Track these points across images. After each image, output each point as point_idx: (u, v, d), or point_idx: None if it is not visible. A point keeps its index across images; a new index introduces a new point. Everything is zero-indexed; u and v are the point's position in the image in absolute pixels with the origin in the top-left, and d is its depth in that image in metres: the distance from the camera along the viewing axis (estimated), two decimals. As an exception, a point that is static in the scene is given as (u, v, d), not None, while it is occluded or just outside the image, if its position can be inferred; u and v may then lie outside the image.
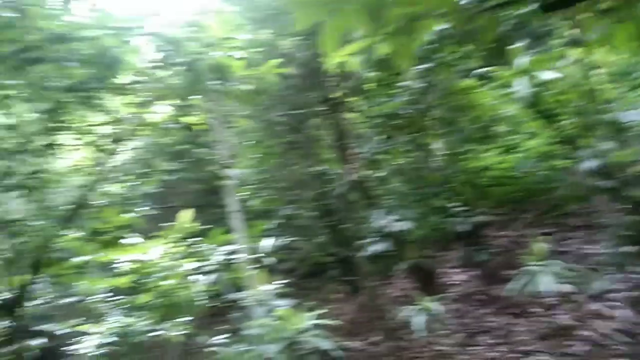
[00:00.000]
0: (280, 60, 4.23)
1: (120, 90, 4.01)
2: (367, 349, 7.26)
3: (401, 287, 9.04)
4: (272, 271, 5.89)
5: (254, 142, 7.66)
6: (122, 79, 3.99)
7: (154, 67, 3.92)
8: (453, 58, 5.88)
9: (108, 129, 4.73)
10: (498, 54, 4.87)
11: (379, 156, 5.72)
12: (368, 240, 5.65)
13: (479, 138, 7.81)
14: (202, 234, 7.11)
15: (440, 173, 6.87)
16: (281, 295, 5.70)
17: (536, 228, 8.00)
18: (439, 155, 7.63)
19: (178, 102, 4.38)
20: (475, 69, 6.06)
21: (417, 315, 3.89)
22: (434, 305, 3.98)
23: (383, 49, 2.02)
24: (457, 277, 8.26)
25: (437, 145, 7.92)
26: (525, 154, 8.70)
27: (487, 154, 9.67)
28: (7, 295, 4.07)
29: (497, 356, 5.99)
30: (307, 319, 3.70)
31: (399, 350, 6.37)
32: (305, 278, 13.00)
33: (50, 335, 9.67)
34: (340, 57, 2.02)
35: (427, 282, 7.67)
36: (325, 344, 3.43)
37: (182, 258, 6.45)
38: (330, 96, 7.09)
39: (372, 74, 7.24)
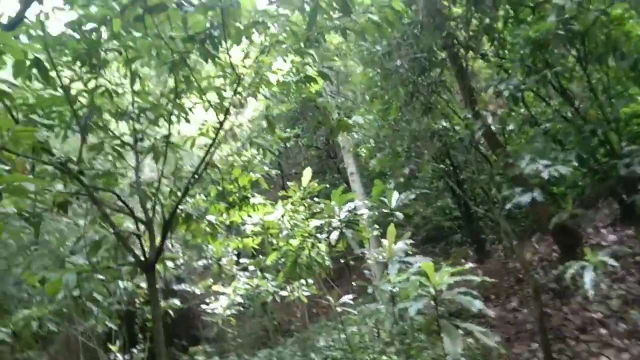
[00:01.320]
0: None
1: (239, 36, 3.78)
2: (506, 316, 6.62)
3: (540, 250, 8.18)
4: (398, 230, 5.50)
5: (372, 95, 7.21)
6: (241, 24, 3.76)
7: (272, 3, 3.64)
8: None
9: (228, 87, 4.60)
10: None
11: (518, 95, 4.97)
12: (508, 192, 4.97)
13: (632, 77, 6.59)
14: (322, 195, 6.95)
15: (589, 117, 5.87)
16: (410, 254, 5.32)
17: None
18: (583, 98, 6.59)
19: (298, 47, 4.06)
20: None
21: (586, 271, 3.26)
22: (608, 260, 3.30)
23: None
24: (608, 237, 7.21)
25: (579, 89, 6.89)
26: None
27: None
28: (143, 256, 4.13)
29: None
30: (449, 276, 3.26)
31: (543, 318, 5.69)
32: (425, 244, 12.48)
33: (187, 295, 10.37)
34: None
35: (573, 243, 6.78)
36: (477, 304, 2.97)
37: (306, 219, 6.35)
38: (456, 40, 6.38)
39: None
